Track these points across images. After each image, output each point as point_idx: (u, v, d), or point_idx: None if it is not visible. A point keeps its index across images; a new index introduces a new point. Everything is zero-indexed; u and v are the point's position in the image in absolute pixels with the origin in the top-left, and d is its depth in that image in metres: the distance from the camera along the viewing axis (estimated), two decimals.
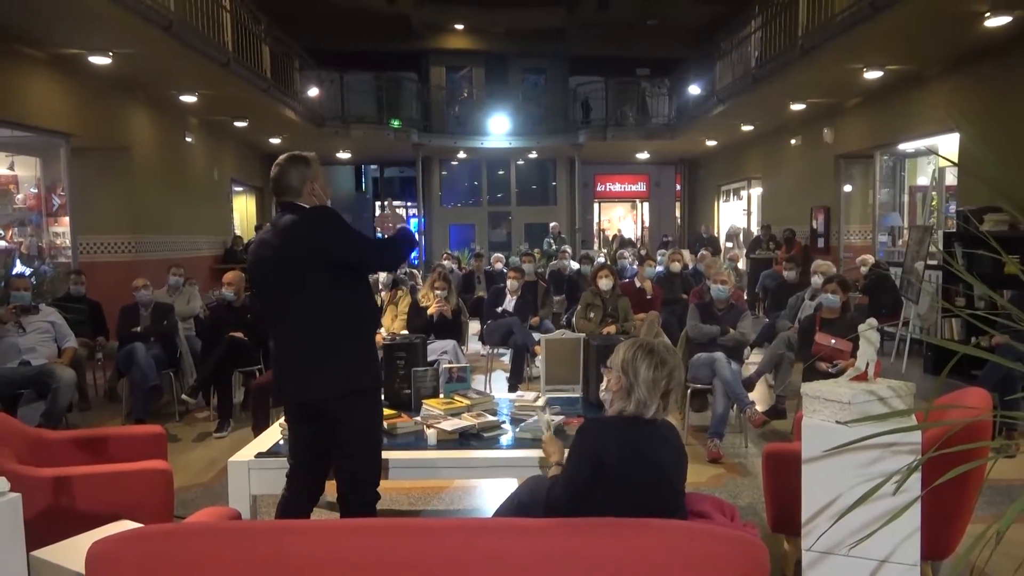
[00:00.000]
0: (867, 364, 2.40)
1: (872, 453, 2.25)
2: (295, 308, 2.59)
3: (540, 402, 3.65)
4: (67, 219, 8.28)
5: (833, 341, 4.97)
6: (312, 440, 2.71)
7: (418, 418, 3.44)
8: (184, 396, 5.69)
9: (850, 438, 2.17)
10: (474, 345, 7.84)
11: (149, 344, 5.82)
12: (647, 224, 20.99)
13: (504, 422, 3.39)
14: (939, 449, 1.97)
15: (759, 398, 5.84)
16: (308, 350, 2.59)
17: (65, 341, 5.47)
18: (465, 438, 3.20)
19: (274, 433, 3.31)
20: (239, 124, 11.49)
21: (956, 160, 8.25)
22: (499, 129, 16.99)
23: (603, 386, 2.37)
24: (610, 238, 17.95)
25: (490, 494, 4.14)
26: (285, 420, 2.84)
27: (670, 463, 2.20)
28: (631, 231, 21.24)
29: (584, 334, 4.52)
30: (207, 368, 5.66)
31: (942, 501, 2.57)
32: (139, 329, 5.96)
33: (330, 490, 2.90)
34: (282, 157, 2.69)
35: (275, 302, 2.65)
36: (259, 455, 3.06)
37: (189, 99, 9.31)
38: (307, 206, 2.64)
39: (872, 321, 2.43)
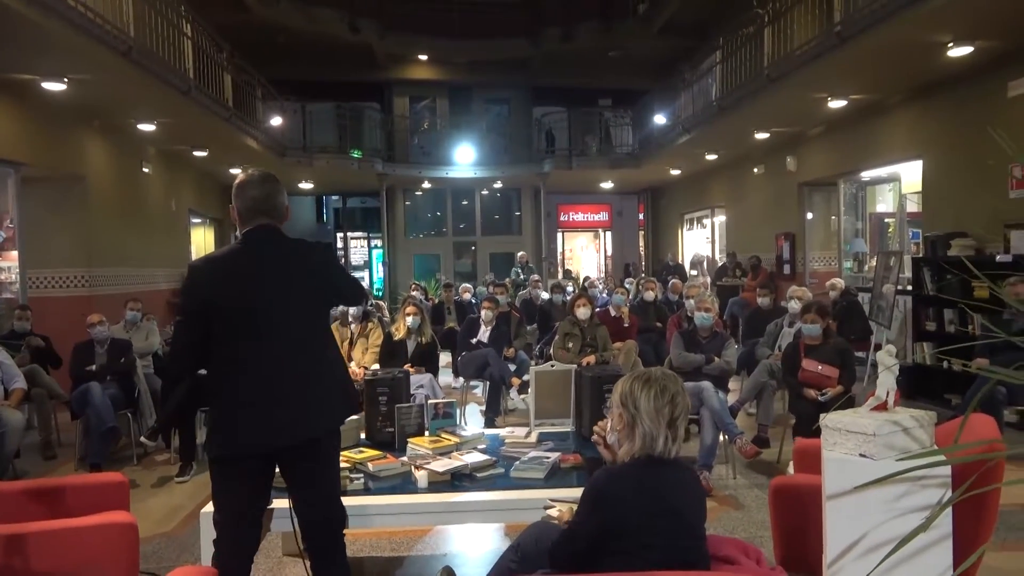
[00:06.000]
0: (887, 393, 2.29)
1: (900, 487, 2.14)
2: (294, 339, 2.38)
3: (532, 437, 3.48)
4: (15, 253, 7.87)
5: (820, 367, 4.92)
6: (264, 492, 2.48)
7: (404, 458, 3.23)
8: (143, 439, 5.35)
9: (875, 471, 2.07)
10: (445, 377, 7.62)
11: (105, 383, 5.49)
12: (610, 253, 21.06)
13: (497, 461, 3.20)
14: (967, 482, 1.87)
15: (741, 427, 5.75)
16: (312, 383, 2.40)
17: (12, 382, 5.11)
18: (458, 479, 3.01)
19: None
20: (199, 154, 11.18)
21: (919, 187, 8.41)
22: (464, 159, 16.91)
23: (609, 426, 2.24)
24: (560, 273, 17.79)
25: (478, 536, 3.92)
26: (230, 476, 2.40)
27: (692, 507, 2.06)
28: (593, 261, 21.29)
29: (575, 365, 4.36)
30: (168, 408, 5.31)
31: (962, 533, 2.48)
32: (94, 368, 5.62)
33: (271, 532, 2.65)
34: (258, 173, 2.49)
35: (258, 331, 2.36)
36: None
37: (147, 128, 9.00)
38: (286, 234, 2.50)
39: (891, 348, 2.33)
